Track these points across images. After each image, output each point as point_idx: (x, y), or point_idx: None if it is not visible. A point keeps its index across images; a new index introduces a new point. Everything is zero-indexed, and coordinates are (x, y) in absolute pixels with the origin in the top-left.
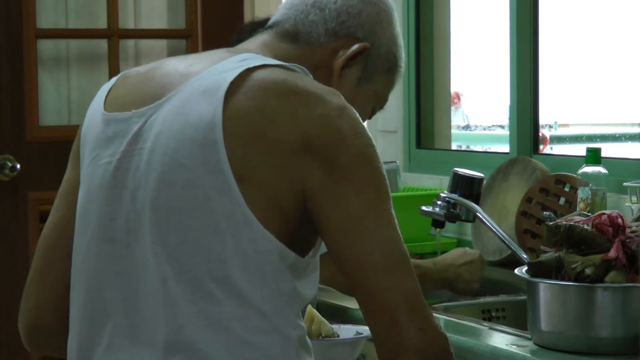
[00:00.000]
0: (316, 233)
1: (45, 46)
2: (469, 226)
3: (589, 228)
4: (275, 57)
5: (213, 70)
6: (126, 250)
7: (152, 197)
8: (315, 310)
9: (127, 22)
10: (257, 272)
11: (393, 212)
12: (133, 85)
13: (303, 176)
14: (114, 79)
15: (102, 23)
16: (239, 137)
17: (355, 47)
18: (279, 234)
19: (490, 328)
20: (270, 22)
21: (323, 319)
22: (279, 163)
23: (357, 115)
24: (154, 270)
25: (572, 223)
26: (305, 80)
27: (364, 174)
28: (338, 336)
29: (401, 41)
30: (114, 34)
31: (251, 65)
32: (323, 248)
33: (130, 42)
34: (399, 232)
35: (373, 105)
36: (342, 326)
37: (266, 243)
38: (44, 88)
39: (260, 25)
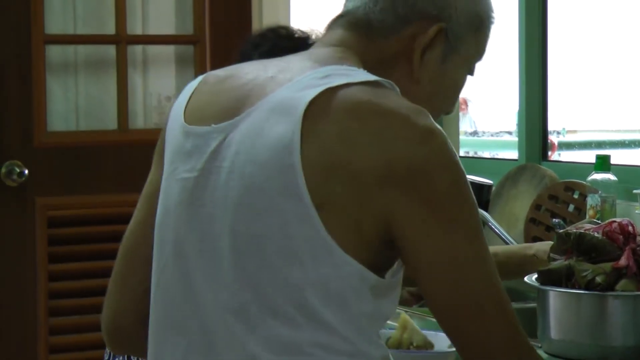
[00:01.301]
0: (397, 254)
1: (54, 52)
2: None
3: (600, 236)
4: (358, 55)
5: (293, 87)
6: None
7: (231, 222)
8: (408, 318)
9: (135, 28)
10: (338, 297)
11: (486, 246)
12: (212, 94)
13: (387, 204)
14: (196, 81)
15: (110, 29)
16: (318, 163)
17: (430, 32)
18: (359, 257)
19: None
20: (341, 12)
21: (416, 327)
22: (361, 191)
23: (445, 139)
24: (232, 294)
25: (582, 231)
26: (391, 98)
27: (453, 208)
28: (432, 346)
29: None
30: (122, 39)
31: (333, 84)
32: None
33: (138, 48)
34: (493, 267)
35: (469, 67)
36: (440, 334)
37: (347, 267)
38: (52, 94)
39: (277, 33)
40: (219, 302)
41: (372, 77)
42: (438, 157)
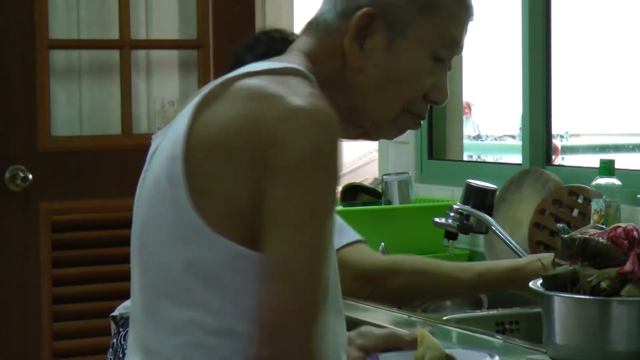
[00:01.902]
0: None
1: (57, 57)
2: (481, 238)
3: (604, 241)
4: (308, 56)
5: (214, 82)
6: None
7: (141, 216)
8: (425, 333)
9: (139, 32)
10: (214, 276)
11: (326, 232)
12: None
13: (257, 182)
14: None
15: (114, 34)
16: (202, 149)
17: (355, 19)
18: (238, 237)
19: (504, 341)
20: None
21: (435, 342)
22: (237, 172)
23: (321, 117)
24: (140, 279)
25: (587, 236)
26: (284, 84)
27: (300, 185)
28: None
29: None
30: (126, 44)
31: (233, 74)
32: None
33: (142, 53)
34: (323, 251)
35: (431, 52)
36: (471, 351)
37: (220, 247)
38: (56, 99)
39: (271, 36)
40: (137, 291)
41: (277, 65)
42: (297, 131)
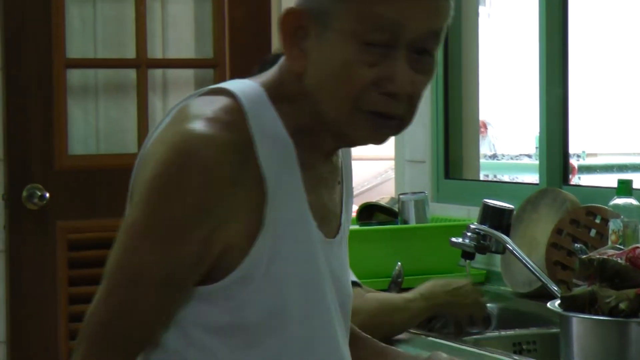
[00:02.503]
0: (218, 260)
1: (74, 76)
2: (498, 257)
3: (623, 262)
4: (276, 69)
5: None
6: None
7: None
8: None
9: (155, 51)
10: None
11: (147, 253)
12: None
13: None
14: None
15: (130, 53)
16: (135, 178)
17: (280, 21)
18: None
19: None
20: None
21: None
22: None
23: (190, 145)
24: None
25: (605, 257)
26: (197, 106)
27: (139, 200)
28: None
29: None
30: (142, 63)
31: (189, 98)
32: None
33: (158, 72)
34: (133, 258)
35: (362, 41)
36: None
37: None
38: (73, 117)
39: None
40: None
41: (216, 86)
42: (159, 155)
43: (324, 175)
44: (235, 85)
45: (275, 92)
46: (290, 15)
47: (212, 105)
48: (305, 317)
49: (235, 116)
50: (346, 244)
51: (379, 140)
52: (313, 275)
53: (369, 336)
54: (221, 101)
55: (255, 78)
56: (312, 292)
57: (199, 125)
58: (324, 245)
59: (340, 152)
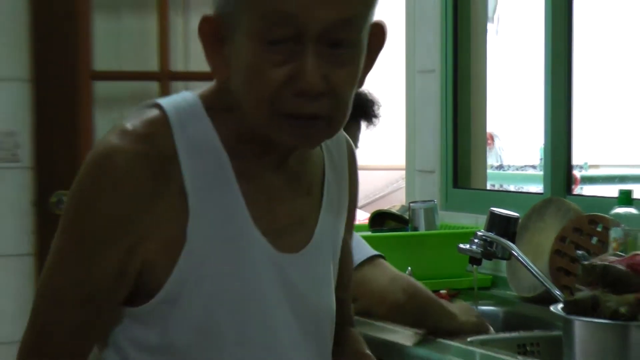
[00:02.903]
0: (146, 281)
1: (100, 87)
2: (504, 263)
3: (624, 268)
4: (213, 88)
5: None
6: None
7: None
8: None
9: (177, 64)
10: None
11: (66, 271)
12: None
13: None
14: None
15: (153, 65)
16: None
17: (198, 27)
18: None
19: (524, 359)
20: None
21: None
22: None
23: (101, 159)
24: None
25: (607, 263)
26: (130, 119)
27: (61, 219)
28: None
29: None
30: (165, 76)
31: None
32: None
33: (181, 84)
34: (53, 276)
35: (265, 40)
36: None
37: None
38: (99, 127)
39: None
40: None
41: (151, 100)
42: (80, 173)
43: (278, 185)
44: (170, 98)
45: (213, 103)
46: (205, 24)
47: (136, 119)
48: (242, 337)
49: (157, 128)
50: (328, 256)
51: (308, 143)
52: (250, 293)
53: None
54: (147, 114)
55: (197, 89)
56: (250, 311)
57: (114, 138)
58: (276, 259)
59: (328, 163)
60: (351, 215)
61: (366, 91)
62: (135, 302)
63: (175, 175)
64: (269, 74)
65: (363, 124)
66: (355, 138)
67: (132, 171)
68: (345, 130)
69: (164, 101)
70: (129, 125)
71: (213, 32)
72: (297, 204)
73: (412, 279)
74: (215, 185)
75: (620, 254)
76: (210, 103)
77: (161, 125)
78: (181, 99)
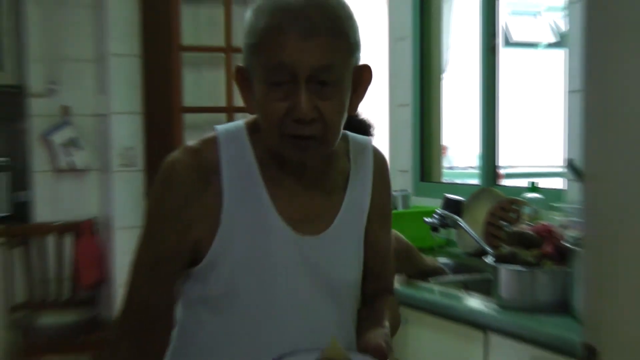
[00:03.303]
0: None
1: (187, 118)
2: (454, 231)
3: (532, 233)
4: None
5: None
6: None
7: None
8: (334, 339)
9: (239, 101)
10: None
11: (144, 243)
12: None
13: None
14: None
15: (222, 102)
16: None
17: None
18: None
19: (468, 295)
20: None
21: (334, 345)
22: None
23: (166, 167)
24: None
25: (521, 230)
26: (193, 140)
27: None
28: None
29: (246, 25)
30: (230, 109)
31: None
32: None
33: (240, 115)
34: (143, 249)
35: (267, 83)
36: (363, 357)
37: None
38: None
39: None
40: None
41: (214, 127)
42: (156, 177)
43: (299, 188)
44: (226, 124)
45: (252, 127)
46: (237, 72)
47: (197, 139)
48: (253, 300)
49: (207, 146)
50: (346, 241)
51: (305, 157)
52: (271, 264)
53: (381, 308)
54: (206, 136)
55: (247, 118)
56: (270, 278)
57: (177, 153)
58: (297, 240)
59: (353, 172)
60: (383, 216)
61: (366, 117)
62: (192, 266)
63: (216, 179)
64: (275, 107)
65: None
66: None
67: (185, 176)
68: None
69: (220, 126)
70: (189, 144)
71: (242, 78)
72: (316, 202)
73: (398, 232)
74: (246, 186)
75: (529, 224)
76: (251, 127)
77: (211, 143)
78: (233, 125)
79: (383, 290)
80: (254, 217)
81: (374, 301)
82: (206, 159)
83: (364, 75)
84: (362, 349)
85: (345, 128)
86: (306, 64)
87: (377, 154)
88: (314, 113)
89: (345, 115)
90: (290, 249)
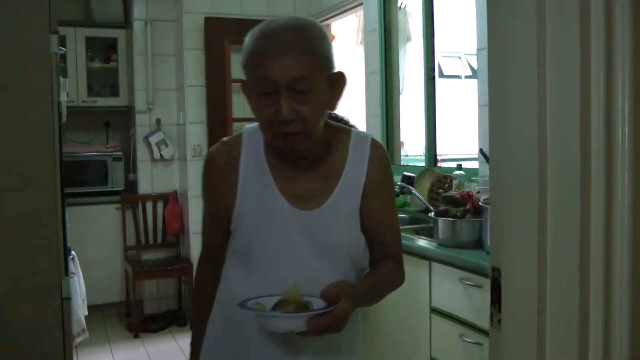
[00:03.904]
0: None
1: (236, 125)
2: (409, 196)
3: (459, 196)
4: None
5: None
6: None
7: None
8: (294, 285)
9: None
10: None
11: (204, 206)
12: None
13: None
14: None
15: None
16: None
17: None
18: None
19: (418, 237)
20: None
21: (293, 290)
22: None
23: (206, 162)
24: None
25: (451, 194)
26: (228, 138)
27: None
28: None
29: (245, 46)
30: None
31: None
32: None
33: None
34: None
35: (258, 95)
36: (318, 299)
37: None
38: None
39: None
40: None
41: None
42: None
43: (297, 172)
44: (251, 125)
45: None
46: (243, 86)
47: (230, 137)
48: (263, 254)
49: (235, 142)
50: (339, 214)
51: (294, 148)
52: (276, 229)
53: (376, 270)
54: (236, 134)
55: None
56: (269, 240)
57: (214, 147)
58: (296, 213)
59: (350, 159)
60: (380, 190)
61: (347, 119)
62: (229, 225)
63: (237, 167)
64: (265, 112)
65: None
66: None
67: (217, 163)
68: None
69: (247, 127)
70: (224, 139)
71: (247, 91)
72: (312, 184)
73: None
74: (256, 170)
75: (457, 191)
76: None
77: (238, 140)
78: (255, 125)
79: (387, 255)
80: (261, 194)
81: (375, 265)
82: (232, 150)
83: (339, 80)
84: (321, 295)
85: None
86: (284, 77)
87: (375, 144)
88: (293, 115)
89: (325, 112)
90: (291, 219)
